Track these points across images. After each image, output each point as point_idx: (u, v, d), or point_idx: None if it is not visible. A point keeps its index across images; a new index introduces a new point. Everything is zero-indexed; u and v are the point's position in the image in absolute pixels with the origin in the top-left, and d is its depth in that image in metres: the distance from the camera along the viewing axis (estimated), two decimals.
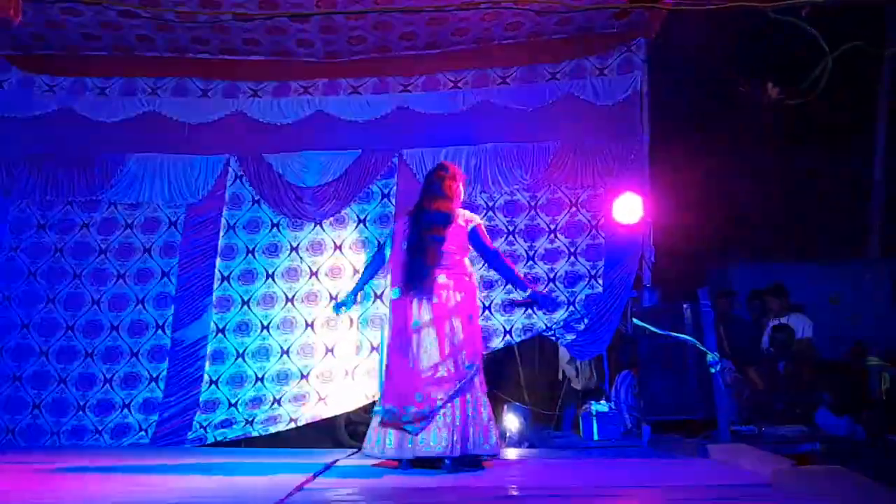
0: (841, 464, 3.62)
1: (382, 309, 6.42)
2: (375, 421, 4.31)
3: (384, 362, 4.83)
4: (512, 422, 6.48)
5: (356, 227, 6.67)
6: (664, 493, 3.70)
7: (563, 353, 7.06)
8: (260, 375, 6.37)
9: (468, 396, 4.22)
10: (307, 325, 6.48)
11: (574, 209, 6.55)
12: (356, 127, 6.80)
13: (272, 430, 6.14)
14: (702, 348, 5.37)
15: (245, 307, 6.53)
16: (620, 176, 6.45)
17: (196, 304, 6.53)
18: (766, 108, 6.38)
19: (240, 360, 6.41)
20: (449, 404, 4.13)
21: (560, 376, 6.98)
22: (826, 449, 5.20)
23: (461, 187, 4.56)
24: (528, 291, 4.45)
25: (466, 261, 4.43)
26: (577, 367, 6.87)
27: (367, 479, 3.89)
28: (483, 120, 6.68)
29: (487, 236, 4.50)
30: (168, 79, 6.90)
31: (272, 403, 6.27)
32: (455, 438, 4.10)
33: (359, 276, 4.83)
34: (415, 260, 4.28)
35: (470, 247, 4.43)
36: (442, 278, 4.28)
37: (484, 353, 4.52)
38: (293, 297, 6.54)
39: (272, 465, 4.65)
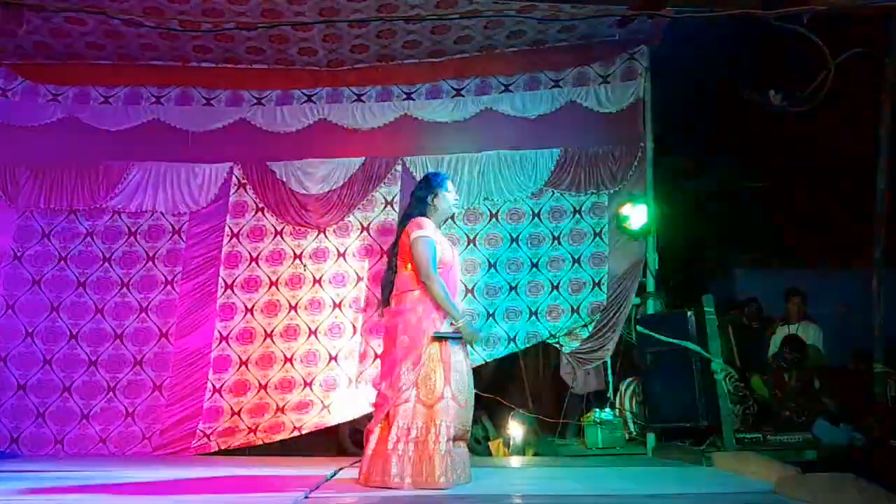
0: (846, 471, 3.61)
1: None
2: None
3: None
4: (516, 430, 6.47)
5: (359, 234, 6.67)
6: (669, 500, 3.69)
7: (562, 360, 7.03)
8: (263, 383, 6.36)
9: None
10: (310, 332, 6.48)
11: (578, 216, 6.55)
12: (359, 135, 6.81)
13: (276, 438, 6.14)
14: (706, 355, 5.37)
15: (248, 315, 6.53)
16: (624, 183, 6.47)
17: (200, 312, 6.52)
18: (768, 115, 6.37)
19: (243, 367, 6.41)
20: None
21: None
22: (831, 456, 5.19)
23: (424, 195, 4.29)
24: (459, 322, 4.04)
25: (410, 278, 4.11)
26: (576, 373, 6.84)
27: (371, 488, 3.88)
28: (486, 128, 6.69)
29: (416, 256, 4.06)
30: (172, 87, 6.91)
31: (276, 411, 6.26)
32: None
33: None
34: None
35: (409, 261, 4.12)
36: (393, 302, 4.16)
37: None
38: (296, 304, 6.54)
39: (276, 473, 4.65)
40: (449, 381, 3.94)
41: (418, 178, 6.56)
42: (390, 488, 3.76)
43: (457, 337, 4.02)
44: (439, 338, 3.98)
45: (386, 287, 4.25)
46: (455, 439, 3.92)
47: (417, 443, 3.84)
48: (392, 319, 4.11)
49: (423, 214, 4.23)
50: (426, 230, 4.11)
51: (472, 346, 4.12)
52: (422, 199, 4.27)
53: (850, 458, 5.09)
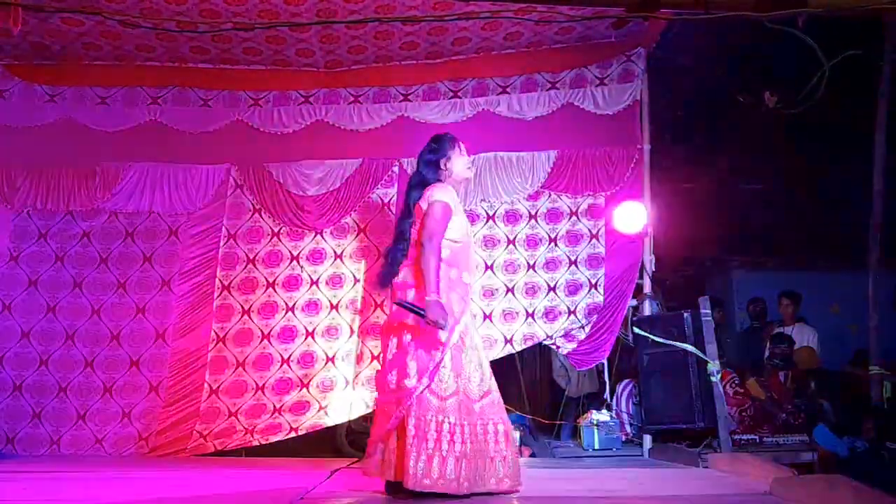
0: (842, 473, 3.62)
1: (382, 318, 6.41)
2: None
3: None
4: (513, 431, 6.47)
5: (356, 236, 6.67)
6: (665, 502, 3.70)
7: (555, 363, 7.05)
8: (260, 384, 6.36)
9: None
10: (307, 334, 6.48)
11: (574, 218, 6.55)
12: (357, 136, 6.80)
13: (272, 439, 6.13)
14: (702, 357, 5.37)
15: (245, 316, 6.52)
16: (621, 185, 6.46)
17: (196, 313, 6.51)
18: (765, 117, 6.38)
19: (240, 369, 6.40)
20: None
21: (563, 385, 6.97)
22: (829, 462, 5.18)
23: (436, 158, 3.81)
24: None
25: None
26: (569, 376, 6.86)
27: (367, 489, 3.88)
28: (483, 129, 6.67)
29: (426, 219, 3.62)
30: (169, 88, 6.91)
31: (272, 413, 6.26)
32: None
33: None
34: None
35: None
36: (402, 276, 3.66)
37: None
38: (293, 306, 6.54)
39: (273, 474, 4.65)
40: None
41: None
42: None
43: (418, 312, 3.49)
44: (399, 305, 3.55)
45: (395, 261, 3.72)
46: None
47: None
48: (403, 293, 3.63)
49: (438, 180, 3.79)
50: (447, 197, 3.67)
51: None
52: (433, 163, 3.81)
53: (849, 467, 5.03)
